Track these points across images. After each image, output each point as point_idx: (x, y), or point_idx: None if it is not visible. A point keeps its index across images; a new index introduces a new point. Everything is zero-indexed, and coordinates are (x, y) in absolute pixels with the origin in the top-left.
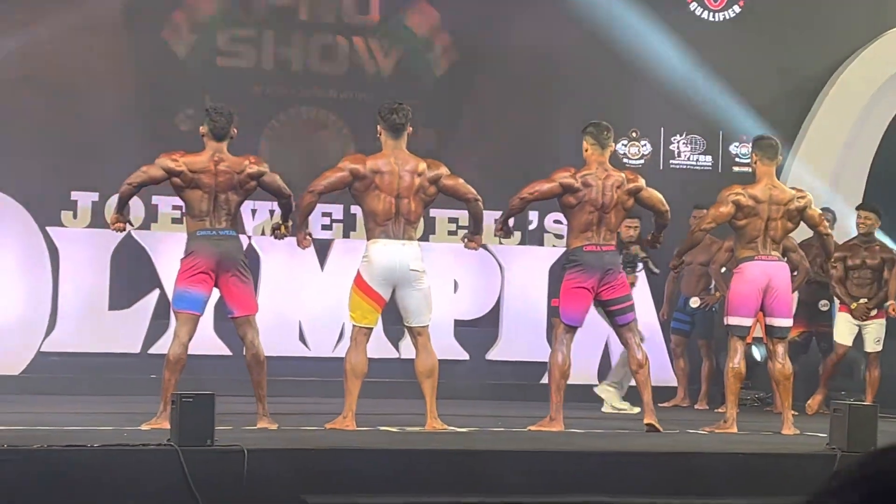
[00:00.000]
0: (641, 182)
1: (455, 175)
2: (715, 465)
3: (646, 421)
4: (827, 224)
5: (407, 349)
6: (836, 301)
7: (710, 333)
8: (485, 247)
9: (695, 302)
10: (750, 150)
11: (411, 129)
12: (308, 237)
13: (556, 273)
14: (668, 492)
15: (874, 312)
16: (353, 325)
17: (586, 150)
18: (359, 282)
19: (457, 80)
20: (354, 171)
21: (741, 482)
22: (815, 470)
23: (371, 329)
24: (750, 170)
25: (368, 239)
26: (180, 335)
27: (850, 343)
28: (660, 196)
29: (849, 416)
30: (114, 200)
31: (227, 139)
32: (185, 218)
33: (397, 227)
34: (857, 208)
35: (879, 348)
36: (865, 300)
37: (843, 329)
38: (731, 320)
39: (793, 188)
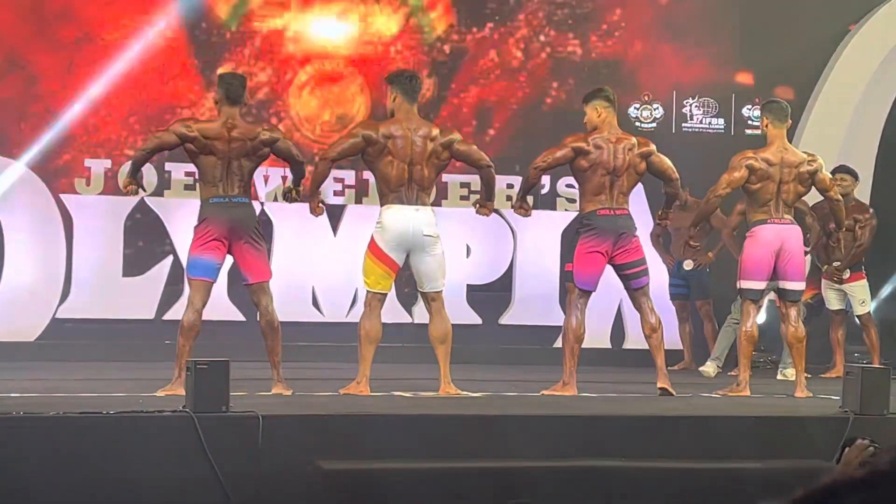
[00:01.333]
0: (653, 146)
1: (467, 141)
2: (728, 429)
3: (659, 385)
4: (838, 189)
5: (420, 314)
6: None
7: (707, 294)
8: (497, 211)
9: (688, 264)
10: (760, 114)
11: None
12: (321, 205)
13: (569, 237)
14: (681, 455)
15: (847, 274)
16: (368, 291)
17: (599, 115)
18: (373, 247)
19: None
20: (367, 137)
21: (754, 445)
22: (828, 433)
23: (385, 295)
24: (761, 133)
25: (382, 205)
26: (194, 302)
27: (840, 307)
28: (670, 163)
29: (862, 379)
30: (127, 167)
31: (240, 104)
32: (198, 185)
33: (410, 193)
34: (833, 171)
35: (868, 309)
36: (837, 262)
37: (830, 295)
38: (744, 284)
39: (804, 152)
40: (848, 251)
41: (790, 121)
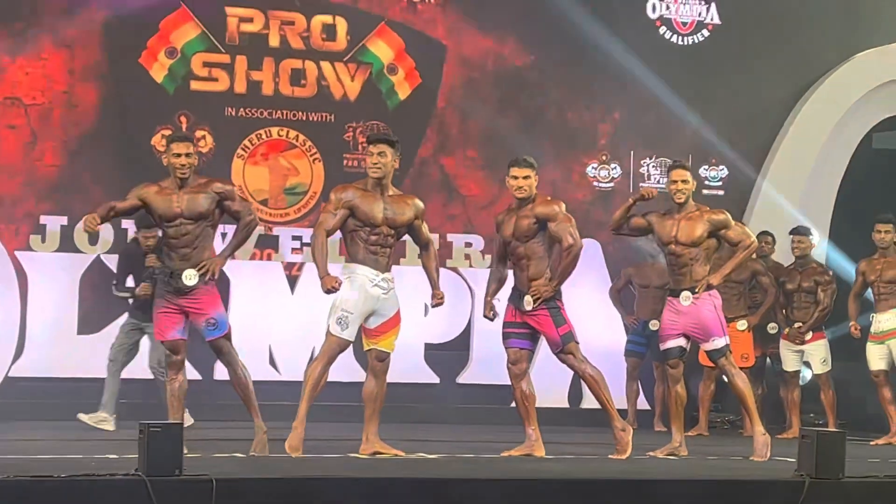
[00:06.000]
0: None
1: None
2: (685, 491)
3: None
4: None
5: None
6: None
7: None
8: (455, 270)
9: (654, 325)
10: (686, 177)
11: None
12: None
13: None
14: None
15: (809, 335)
16: None
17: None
18: None
19: (419, 102)
20: None
21: None
22: (785, 497)
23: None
24: (687, 192)
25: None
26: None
27: (797, 368)
28: None
29: (817, 442)
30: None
31: None
32: (204, 246)
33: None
34: (791, 232)
35: (828, 368)
36: (800, 324)
37: (787, 355)
38: (719, 342)
39: None
40: (809, 313)
41: None
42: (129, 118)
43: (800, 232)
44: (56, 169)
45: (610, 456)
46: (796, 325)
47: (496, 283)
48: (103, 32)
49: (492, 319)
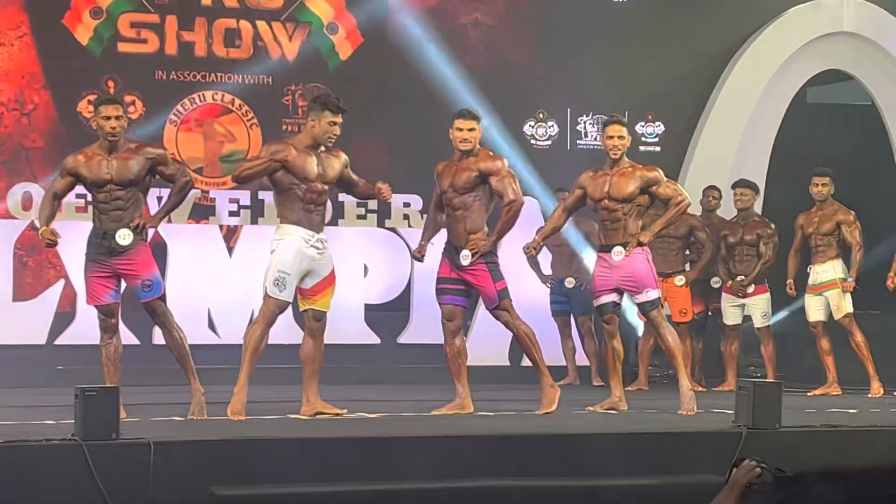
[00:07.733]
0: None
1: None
2: (624, 445)
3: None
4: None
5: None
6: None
7: (589, 311)
8: (394, 230)
9: (570, 282)
10: (622, 132)
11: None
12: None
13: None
14: (578, 473)
15: (752, 289)
16: None
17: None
18: None
19: (361, 62)
20: None
21: (649, 461)
22: (722, 447)
23: (304, 312)
24: (622, 148)
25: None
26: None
27: (737, 321)
28: None
29: (753, 393)
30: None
31: None
32: (140, 209)
33: None
34: (733, 186)
35: (768, 322)
36: (742, 277)
37: (728, 309)
38: (653, 294)
39: None
40: (752, 267)
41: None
42: (54, 83)
43: (742, 185)
44: None
45: (536, 412)
46: (738, 278)
47: (432, 228)
48: None
49: (420, 261)
